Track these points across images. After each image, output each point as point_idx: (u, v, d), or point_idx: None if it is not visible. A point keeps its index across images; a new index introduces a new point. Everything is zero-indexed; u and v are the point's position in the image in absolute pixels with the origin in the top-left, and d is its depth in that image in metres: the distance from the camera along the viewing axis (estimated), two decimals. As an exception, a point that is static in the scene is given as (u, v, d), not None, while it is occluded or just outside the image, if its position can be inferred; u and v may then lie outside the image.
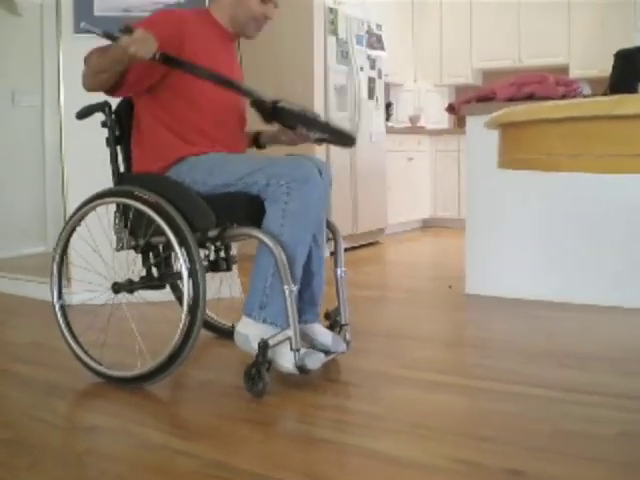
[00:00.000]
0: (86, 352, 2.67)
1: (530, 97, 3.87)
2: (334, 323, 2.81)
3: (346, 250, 5.80)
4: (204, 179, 2.53)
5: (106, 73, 2.50)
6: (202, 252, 2.63)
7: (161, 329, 2.69)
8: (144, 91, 2.62)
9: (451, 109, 4.21)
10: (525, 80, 3.97)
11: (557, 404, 2.30)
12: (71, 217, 2.76)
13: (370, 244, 6.45)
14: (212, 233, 2.49)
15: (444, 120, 8.42)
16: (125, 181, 2.71)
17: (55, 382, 2.62)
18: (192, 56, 2.54)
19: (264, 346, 2.37)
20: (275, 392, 2.44)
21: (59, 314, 2.78)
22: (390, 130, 6.93)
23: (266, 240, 2.39)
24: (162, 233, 2.45)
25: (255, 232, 2.44)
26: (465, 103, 4.09)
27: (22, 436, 2.11)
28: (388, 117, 7.43)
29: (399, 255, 6.19)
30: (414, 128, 7.86)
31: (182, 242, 2.40)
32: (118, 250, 2.67)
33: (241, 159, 2.56)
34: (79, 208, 2.72)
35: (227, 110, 2.71)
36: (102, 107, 2.72)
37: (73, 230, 2.77)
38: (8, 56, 5.13)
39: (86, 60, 2.59)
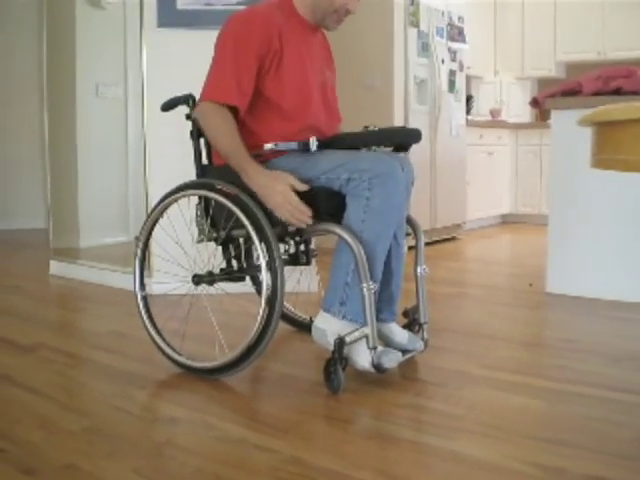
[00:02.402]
0: (167, 343, 2.71)
1: (617, 92, 3.75)
2: (412, 321, 2.77)
3: (424, 245, 5.81)
4: (312, 174, 2.50)
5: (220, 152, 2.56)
6: (282, 246, 2.63)
7: (240, 321, 2.72)
8: None
9: (535, 103, 4.11)
10: (612, 74, 3.84)
11: (642, 410, 2.23)
12: (154, 209, 2.80)
13: (448, 239, 6.38)
14: (292, 227, 2.48)
15: (526, 114, 8.27)
16: (207, 173, 2.73)
17: (135, 372, 2.65)
18: (281, 55, 2.53)
19: (340, 343, 2.36)
20: (354, 389, 2.42)
21: (141, 304, 2.83)
22: (470, 124, 6.83)
23: (346, 237, 2.37)
24: (242, 226, 2.45)
25: (335, 228, 2.41)
26: (549, 97, 3.98)
27: (101, 425, 2.14)
28: (468, 110, 7.32)
29: (478, 251, 6.10)
30: (495, 122, 7.73)
31: (261, 235, 2.39)
32: (199, 242, 2.69)
33: (322, 155, 2.51)
34: (162, 200, 2.75)
35: (311, 106, 2.66)
36: (186, 100, 2.74)
37: (156, 222, 2.80)
38: (92, 49, 5.22)
39: (208, 115, 2.53)
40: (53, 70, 4.88)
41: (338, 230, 2.40)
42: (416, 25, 5.77)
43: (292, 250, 2.76)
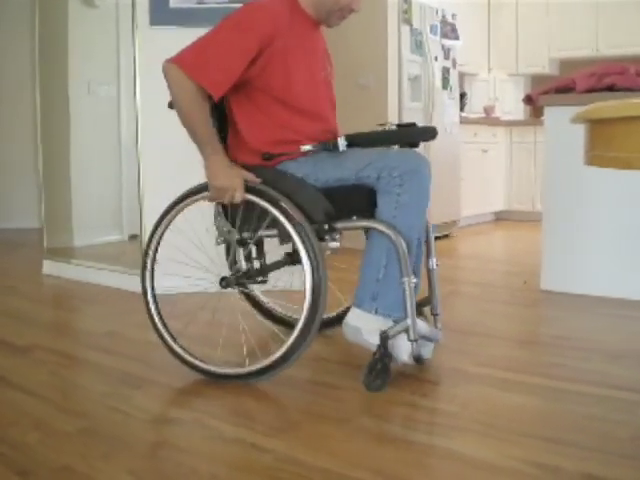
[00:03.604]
0: (185, 349, 2.63)
1: (610, 88, 3.75)
2: (421, 313, 2.79)
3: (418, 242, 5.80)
4: (316, 174, 2.51)
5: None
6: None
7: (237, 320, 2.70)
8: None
9: (529, 100, 4.11)
10: (605, 71, 3.84)
11: (639, 408, 2.23)
12: (171, 208, 2.67)
13: (442, 236, 6.37)
14: (324, 225, 2.48)
15: (519, 111, 8.27)
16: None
17: (130, 372, 2.65)
18: (285, 51, 2.50)
19: (385, 338, 2.39)
20: (351, 388, 2.43)
21: (153, 308, 2.68)
22: (464, 121, 6.84)
23: (389, 232, 2.40)
24: (274, 226, 2.46)
25: (377, 224, 2.44)
26: (543, 94, 3.99)
27: (97, 426, 2.13)
28: (462, 108, 7.32)
29: (472, 248, 6.10)
30: (489, 119, 7.74)
31: (302, 235, 2.39)
32: (219, 244, 2.66)
33: (351, 153, 2.53)
34: (180, 200, 2.64)
35: (321, 102, 2.67)
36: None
37: (170, 222, 2.69)
38: (84, 47, 5.20)
39: (184, 89, 2.46)
40: (45, 68, 4.86)
41: (381, 226, 2.43)
42: (409, 22, 5.77)
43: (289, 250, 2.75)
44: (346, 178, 2.50)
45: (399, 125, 2.98)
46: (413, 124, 2.91)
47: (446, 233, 6.48)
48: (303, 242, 2.38)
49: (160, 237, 2.67)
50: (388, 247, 2.43)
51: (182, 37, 3.69)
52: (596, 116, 1.44)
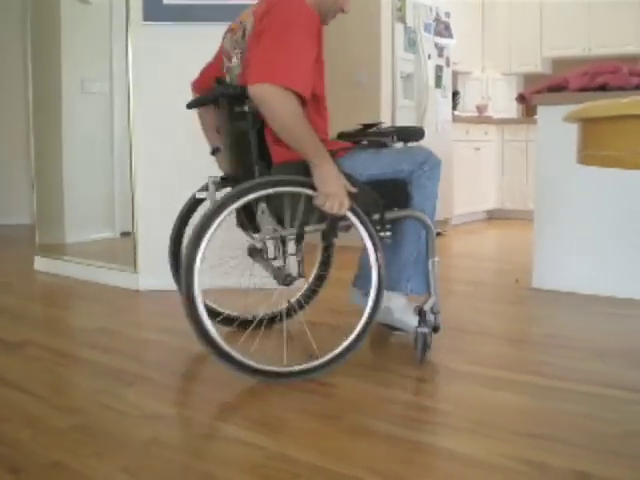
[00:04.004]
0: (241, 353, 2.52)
1: (603, 87, 3.76)
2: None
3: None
4: (359, 170, 2.61)
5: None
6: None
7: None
8: None
9: (522, 99, 4.12)
10: (598, 70, 3.86)
11: (628, 405, 2.24)
12: (220, 208, 2.44)
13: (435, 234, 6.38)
14: (376, 216, 2.60)
15: (512, 109, 8.29)
16: (279, 171, 2.57)
17: (123, 369, 2.65)
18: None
19: (423, 312, 2.68)
20: (342, 385, 2.44)
21: (202, 311, 2.41)
22: (457, 119, 6.85)
23: (424, 219, 2.71)
24: (321, 221, 2.52)
25: (415, 213, 2.71)
26: (536, 92, 4.00)
27: (89, 423, 2.14)
28: (455, 106, 7.33)
29: (464, 246, 6.12)
30: (481, 117, 7.75)
31: (367, 228, 2.52)
32: (259, 243, 2.67)
33: (384, 152, 2.76)
34: (237, 198, 2.46)
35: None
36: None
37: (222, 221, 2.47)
38: (77, 44, 5.19)
39: (286, 103, 2.34)
40: (38, 65, 4.85)
41: (419, 214, 2.71)
42: (403, 20, 5.78)
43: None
44: (385, 173, 2.69)
45: (365, 125, 3.02)
46: (378, 123, 3.04)
47: (438, 231, 6.49)
48: (371, 238, 2.53)
49: (212, 235, 2.45)
50: (420, 233, 2.75)
51: (176, 33, 3.75)
52: (588, 115, 1.45)
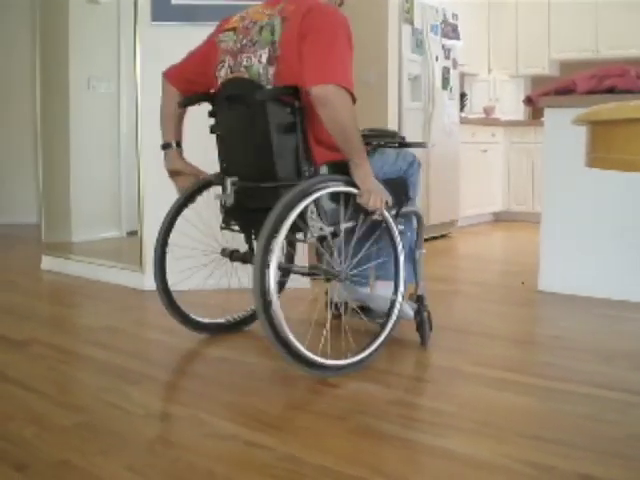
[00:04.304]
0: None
1: (611, 90, 3.75)
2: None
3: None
4: (376, 170, 2.69)
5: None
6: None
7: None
8: None
9: (529, 101, 4.11)
10: (606, 73, 3.85)
11: (632, 408, 2.24)
12: (299, 200, 2.46)
13: (441, 236, 6.38)
14: (393, 212, 2.73)
15: (519, 111, 8.28)
16: (334, 170, 2.64)
17: (129, 367, 2.65)
18: None
19: (422, 297, 2.95)
20: (347, 386, 2.44)
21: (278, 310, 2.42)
22: (464, 121, 6.84)
23: (420, 214, 2.97)
24: (355, 219, 2.63)
25: (415, 208, 2.95)
26: (544, 95, 3.99)
27: (95, 421, 2.14)
28: (462, 108, 7.32)
29: (470, 248, 6.11)
30: (488, 119, 7.74)
31: (394, 223, 2.70)
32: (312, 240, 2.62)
33: (387, 152, 2.96)
34: (309, 194, 2.48)
35: None
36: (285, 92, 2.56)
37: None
38: (85, 43, 5.20)
39: (350, 107, 2.48)
40: (46, 64, 4.86)
41: (418, 209, 2.98)
42: (410, 22, 5.77)
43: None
44: (393, 172, 2.88)
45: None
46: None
47: (445, 233, 6.49)
48: (396, 232, 2.71)
49: (284, 236, 2.44)
50: (412, 228, 2.95)
51: (183, 33, 3.74)
52: (598, 118, 1.45)
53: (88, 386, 2.49)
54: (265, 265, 2.36)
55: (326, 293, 3.06)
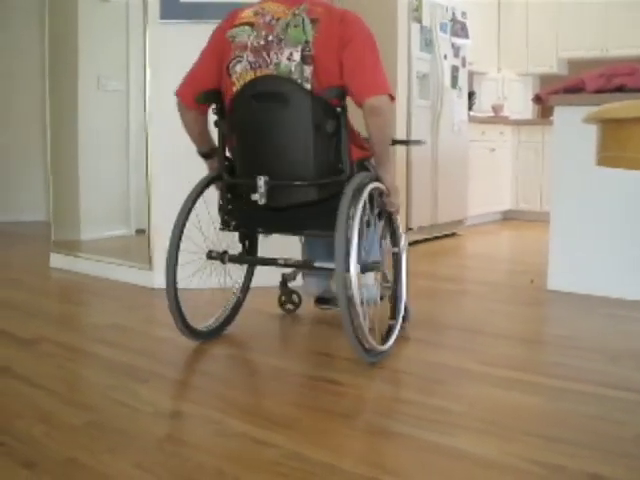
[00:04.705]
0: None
1: (620, 89, 3.74)
2: None
3: (425, 241, 5.81)
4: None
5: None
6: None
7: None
8: None
9: (538, 99, 4.10)
10: (615, 71, 3.83)
11: (642, 408, 2.23)
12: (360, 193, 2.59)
13: (449, 235, 6.37)
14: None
15: (528, 110, 8.26)
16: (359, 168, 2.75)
17: (137, 365, 2.66)
18: None
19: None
20: (355, 384, 2.44)
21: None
22: (472, 119, 6.82)
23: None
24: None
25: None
26: (553, 93, 3.98)
27: (103, 419, 2.14)
28: (470, 106, 7.30)
29: (479, 247, 6.10)
30: (497, 118, 7.71)
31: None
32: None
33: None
34: (359, 193, 2.59)
35: None
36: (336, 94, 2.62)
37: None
38: (94, 41, 5.20)
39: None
40: (55, 62, 4.86)
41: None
42: (419, 20, 5.75)
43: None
44: None
45: None
46: None
47: (453, 232, 6.48)
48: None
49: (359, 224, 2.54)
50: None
51: (192, 32, 3.74)
52: (609, 116, 1.44)
53: (96, 384, 2.49)
54: (347, 258, 2.46)
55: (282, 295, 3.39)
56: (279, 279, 3.41)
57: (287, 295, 3.44)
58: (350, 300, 2.46)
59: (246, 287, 3.19)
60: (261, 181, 2.62)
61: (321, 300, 3.30)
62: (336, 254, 2.46)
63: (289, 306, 3.45)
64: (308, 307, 3.38)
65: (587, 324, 3.34)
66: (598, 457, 1.87)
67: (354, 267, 2.46)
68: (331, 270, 2.79)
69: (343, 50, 2.59)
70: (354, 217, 2.50)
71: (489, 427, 2.08)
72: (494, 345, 2.96)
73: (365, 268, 2.73)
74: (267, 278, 3.37)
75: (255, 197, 2.63)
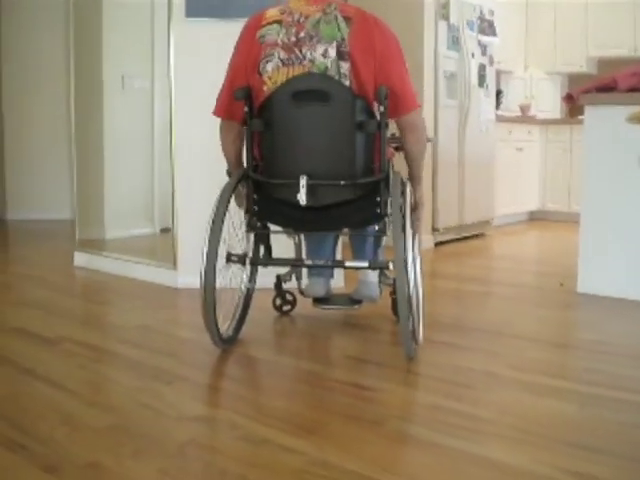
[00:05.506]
0: None
1: (653, 88, 3.67)
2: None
3: (451, 241, 5.76)
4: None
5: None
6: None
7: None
8: None
9: (569, 98, 4.02)
10: (646, 70, 3.77)
11: (679, 416, 2.17)
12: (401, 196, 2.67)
13: (476, 236, 6.30)
14: None
15: (556, 109, 8.16)
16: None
17: (162, 367, 2.62)
18: None
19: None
20: (384, 390, 2.39)
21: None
22: (500, 119, 6.75)
23: None
24: None
25: None
26: (584, 92, 3.90)
27: (126, 422, 2.11)
28: (498, 105, 7.22)
29: (506, 248, 6.02)
30: (524, 117, 7.63)
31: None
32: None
33: None
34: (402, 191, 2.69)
35: None
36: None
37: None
38: (119, 40, 5.20)
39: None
40: (80, 61, 4.86)
41: None
42: (446, 18, 5.69)
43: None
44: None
45: None
46: None
47: (480, 232, 6.40)
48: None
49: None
50: None
51: (218, 29, 3.72)
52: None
53: (120, 385, 2.47)
54: (406, 255, 2.52)
55: (278, 297, 3.36)
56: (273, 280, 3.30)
57: (282, 296, 3.36)
58: (408, 291, 2.51)
59: (252, 289, 3.11)
60: (303, 180, 2.58)
61: (321, 300, 3.22)
62: (395, 245, 2.52)
63: (285, 307, 3.38)
64: (307, 307, 3.32)
65: (619, 328, 3.27)
66: (633, 467, 1.81)
67: (411, 258, 2.53)
68: (358, 269, 3.00)
69: (381, 59, 2.62)
70: (405, 210, 2.61)
71: (520, 435, 2.03)
72: (523, 349, 2.90)
73: (376, 265, 2.88)
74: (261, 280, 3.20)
75: (298, 197, 2.59)
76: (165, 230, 5.02)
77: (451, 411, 2.21)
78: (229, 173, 2.92)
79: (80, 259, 4.69)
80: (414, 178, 2.89)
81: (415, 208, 2.85)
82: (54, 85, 6.90)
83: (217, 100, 2.83)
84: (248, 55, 2.69)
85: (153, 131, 5.58)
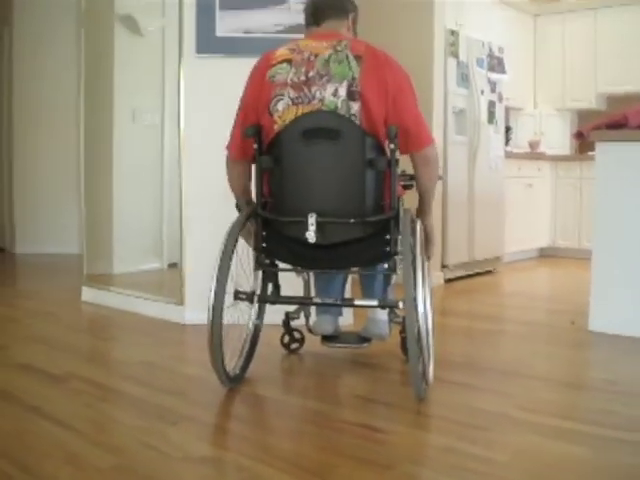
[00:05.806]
0: None
1: (664, 124, 3.65)
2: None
3: (461, 278, 5.71)
4: None
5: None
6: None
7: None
8: None
9: (579, 135, 4.00)
10: (657, 106, 3.75)
11: (698, 461, 2.11)
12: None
13: (486, 272, 6.25)
14: None
15: (565, 146, 8.14)
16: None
17: (167, 406, 2.58)
18: None
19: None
20: (394, 431, 2.34)
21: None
22: (509, 155, 6.73)
23: None
24: None
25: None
26: (594, 129, 3.89)
27: (130, 463, 2.07)
28: (507, 142, 7.21)
29: (516, 285, 5.97)
30: (534, 153, 7.62)
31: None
32: None
33: None
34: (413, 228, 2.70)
35: None
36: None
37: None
38: (129, 75, 5.22)
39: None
40: (91, 96, 4.88)
41: None
42: (456, 55, 5.70)
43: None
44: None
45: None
46: None
47: (490, 269, 6.35)
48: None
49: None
50: None
51: (227, 66, 3.73)
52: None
53: (125, 425, 2.43)
54: (416, 294, 2.49)
55: (286, 334, 3.31)
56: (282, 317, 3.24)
57: (290, 334, 3.31)
58: (419, 331, 2.48)
59: (260, 327, 3.06)
60: (312, 219, 2.57)
61: (330, 338, 3.17)
62: (405, 284, 2.49)
63: (294, 345, 3.33)
64: (315, 345, 3.27)
65: (633, 368, 3.21)
66: (653, 515, 1.76)
67: (422, 297, 2.49)
68: (367, 307, 2.96)
69: (393, 96, 2.64)
70: (415, 248, 2.59)
71: (535, 479, 1.98)
72: (536, 389, 2.85)
73: (385, 304, 2.82)
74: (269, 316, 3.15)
75: (307, 235, 2.57)
76: (173, 265, 5.00)
77: (464, 454, 2.16)
78: (238, 207, 2.90)
79: (87, 294, 4.66)
80: (424, 212, 2.89)
81: (426, 240, 2.85)
82: (64, 119, 6.93)
83: (230, 140, 2.83)
84: (259, 95, 2.68)
85: (162, 166, 5.59)
